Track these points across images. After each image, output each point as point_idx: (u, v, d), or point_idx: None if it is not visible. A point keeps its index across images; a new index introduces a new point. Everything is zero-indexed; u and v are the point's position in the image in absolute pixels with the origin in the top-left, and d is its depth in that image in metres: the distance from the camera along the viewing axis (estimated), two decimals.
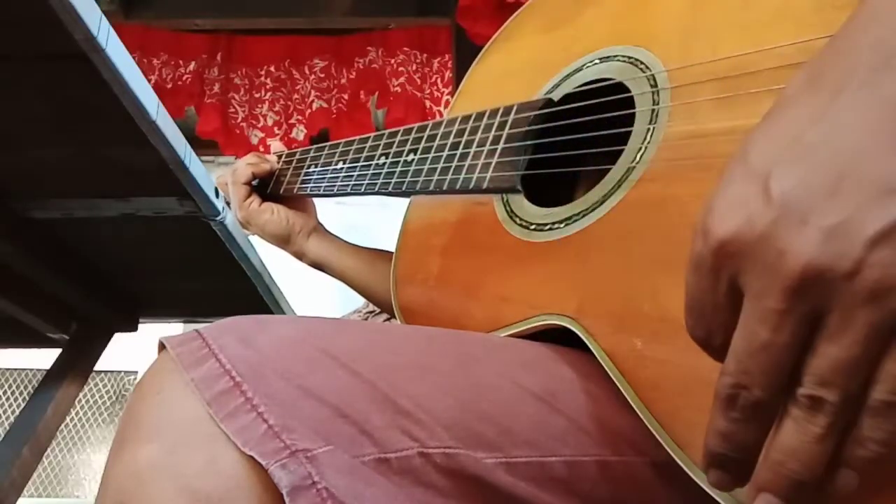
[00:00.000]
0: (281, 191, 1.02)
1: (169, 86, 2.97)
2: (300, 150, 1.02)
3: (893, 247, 0.31)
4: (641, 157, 0.58)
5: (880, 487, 0.35)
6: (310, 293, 1.86)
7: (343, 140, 0.94)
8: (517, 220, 0.67)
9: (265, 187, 1.04)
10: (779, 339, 0.33)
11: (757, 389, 0.34)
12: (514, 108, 0.71)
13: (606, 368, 0.53)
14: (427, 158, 0.78)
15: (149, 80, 1.07)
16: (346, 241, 1.04)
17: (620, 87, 0.63)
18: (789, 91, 0.36)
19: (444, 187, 0.74)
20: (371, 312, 1.53)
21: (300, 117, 3.04)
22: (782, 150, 0.34)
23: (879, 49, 0.33)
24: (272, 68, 3.05)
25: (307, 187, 0.97)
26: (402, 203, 0.85)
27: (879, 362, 0.32)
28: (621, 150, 0.61)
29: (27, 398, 1.15)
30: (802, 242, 0.32)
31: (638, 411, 0.50)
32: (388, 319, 1.38)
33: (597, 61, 0.67)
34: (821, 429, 0.33)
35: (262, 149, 2.96)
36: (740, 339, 0.34)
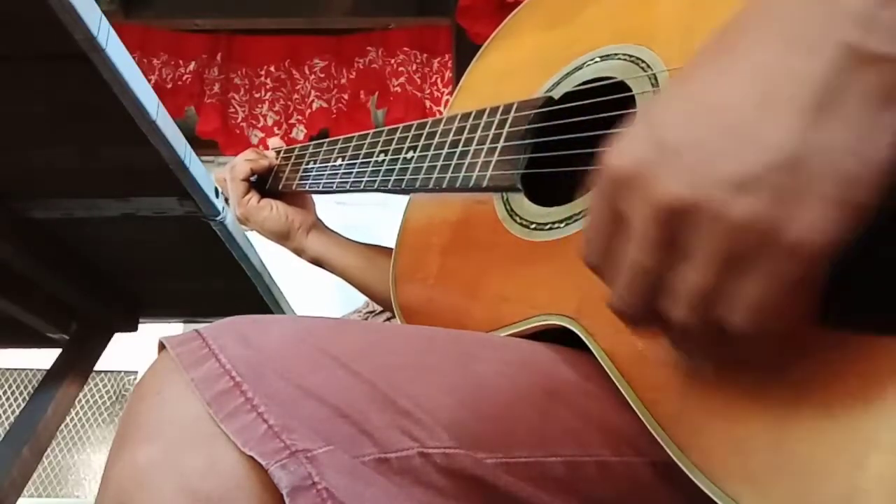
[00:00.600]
0: (280, 187, 1.02)
1: (169, 86, 2.97)
2: (299, 146, 1.01)
3: (748, 190, 0.36)
4: None
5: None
6: (310, 293, 1.86)
7: (342, 137, 0.93)
8: (517, 218, 0.67)
9: (264, 184, 1.04)
10: (647, 260, 0.39)
11: (632, 308, 0.41)
12: (514, 106, 0.71)
13: (606, 369, 0.53)
14: (427, 156, 0.78)
15: (149, 80, 1.07)
16: (345, 238, 1.04)
17: (621, 86, 0.63)
18: (700, 49, 0.41)
19: (444, 185, 0.74)
20: (371, 312, 1.53)
21: (300, 117, 3.04)
22: (674, 100, 0.40)
23: (768, 14, 0.38)
24: (272, 68, 3.05)
25: (306, 184, 0.97)
26: (401, 202, 0.85)
27: (732, 290, 0.37)
28: None
29: (27, 398, 1.15)
30: (674, 180, 0.37)
31: (638, 412, 0.50)
32: (388, 319, 1.38)
33: (597, 60, 0.67)
34: (679, 336, 0.41)
35: (261, 148, 2.96)
36: (620, 259, 0.41)
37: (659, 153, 0.38)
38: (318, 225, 1.04)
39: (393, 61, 3.01)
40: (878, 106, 0.35)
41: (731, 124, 0.37)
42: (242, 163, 1.02)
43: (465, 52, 2.79)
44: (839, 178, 0.35)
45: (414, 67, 3.00)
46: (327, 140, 0.96)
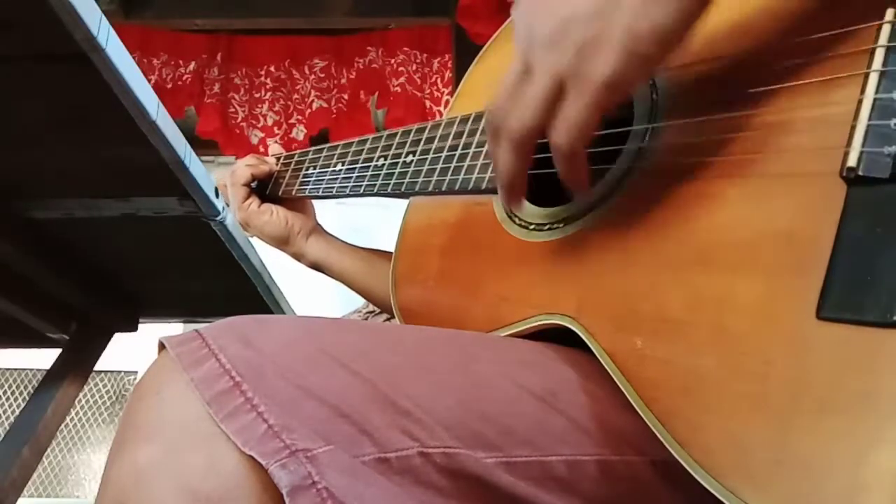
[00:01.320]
0: (280, 192, 1.02)
1: (169, 86, 2.97)
2: (299, 151, 1.02)
3: (567, 34, 0.50)
4: (641, 156, 0.58)
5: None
6: (310, 293, 1.86)
7: (342, 142, 0.94)
8: (516, 220, 0.67)
9: (264, 189, 1.04)
10: (510, 80, 0.54)
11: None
12: None
13: (606, 368, 0.53)
14: (426, 159, 0.78)
15: (149, 80, 1.07)
16: (345, 242, 1.04)
17: None
18: None
19: (444, 188, 0.74)
20: (371, 312, 1.53)
21: (300, 117, 3.04)
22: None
23: None
24: (272, 68, 3.05)
25: (306, 189, 0.97)
26: (401, 204, 0.85)
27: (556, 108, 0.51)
28: (620, 150, 0.61)
29: (27, 398, 1.15)
30: (538, 37, 0.52)
31: (638, 410, 0.50)
32: (388, 319, 1.38)
33: None
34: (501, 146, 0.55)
35: (261, 149, 2.96)
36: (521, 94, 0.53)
37: (527, 30, 0.53)
38: (317, 230, 1.04)
39: (393, 61, 3.01)
40: None
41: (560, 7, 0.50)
42: (243, 168, 1.03)
43: (465, 52, 2.80)
44: (628, 32, 0.48)
45: (414, 67, 3.00)
46: (327, 145, 0.96)
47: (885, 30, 0.47)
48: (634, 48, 0.48)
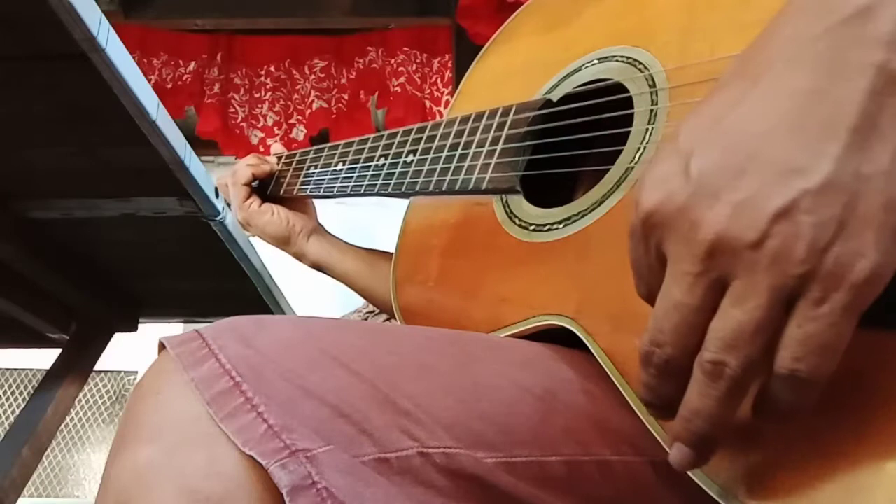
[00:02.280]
0: (281, 192, 1.02)
1: (169, 86, 2.97)
2: (300, 151, 1.02)
3: (792, 220, 0.34)
4: (640, 157, 0.58)
5: (791, 445, 0.40)
6: (310, 293, 1.86)
7: (343, 141, 0.94)
8: (516, 220, 0.67)
9: (265, 188, 1.04)
10: (690, 300, 0.36)
11: (669, 348, 0.37)
12: (513, 108, 0.71)
13: (606, 368, 0.53)
14: (426, 159, 0.78)
15: (149, 80, 1.07)
16: (346, 242, 1.04)
17: (619, 88, 0.63)
18: (723, 77, 0.39)
19: (444, 188, 0.74)
20: (371, 312, 1.53)
21: (300, 117, 3.04)
22: (705, 131, 0.38)
23: (796, 41, 0.37)
24: (272, 68, 3.05)
25: (307, 188, 0.97)
26: (401, 203, 0.85)
27: (782, 329, 0.35)
28: (620, 151, 0.61)
29: (27, 398, 1.15)
30: (713, 215, 0.35)
31: (637, 410, 0.50)
32: (388, 319, 1.38)
33: (595, 61, 0.67)
34: (721, 392, 0.36)
35: (262, 149, 2.96)
36: (659, 299, 0.38)
37: (693, 187, 0.36)
38: (318, 230, 1.04)
39: (393, 61, 3.01)
40: None
41: (768, 152, 0.35)
42: (244, 168, 1.03)
43: (465, 52, 2.80)
44: (884, 203, 0.34)
45: (414, 67, 3.00)
46: (327, 145, 0.97)
47: None
48: None
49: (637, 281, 0.41)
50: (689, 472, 0.45)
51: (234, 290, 1.05)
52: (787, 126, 0.35)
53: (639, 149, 0.59)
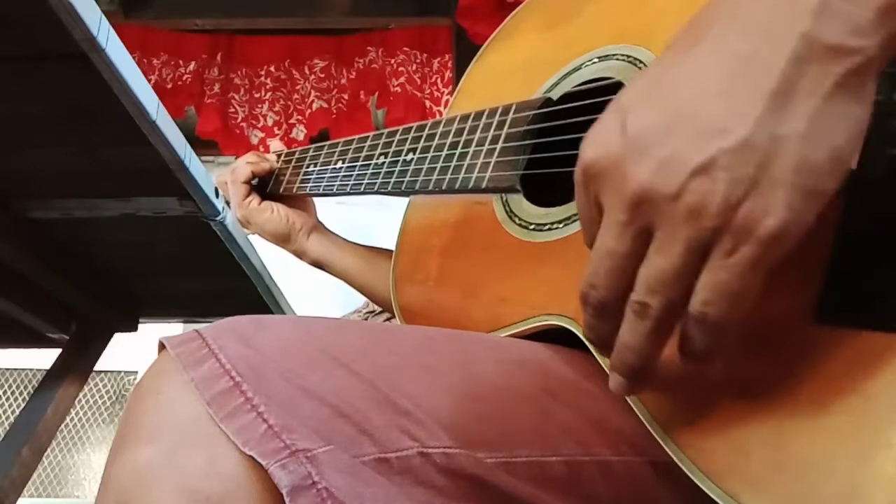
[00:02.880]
0: (280, 190, 1.02)
1: (169, 86, 2.97)
2: (300, 149, 1.02)
3: (709, 177, 0.37)
4: None
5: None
6: (310, 293, 1.86)
7: (342, 139, 0.94)
8: (516, 219, 0.67)
9: (265, 186, 1.04)
10: (619, 247, 0.40)
11: (602, 290, 0.42)
12: (513, 107, 0.71)
13: (605, 368, 0.53)
14: (426, 158, 0.78)
15: (149, 80, 1.07)
16: (346, 240, 1.04)
17: (619, 87, 0.63)
18: (669, 42, 0.42)
19: (444, 187, 0.74)
20: (371, 312, 1.53)
21: (300, 117, 3.04)
22: (643, 91, 0.41)
23: (736, 7, 0.39)
24: (272, 68, 3.05)
25: (307, 186, 0.97)
26: (401, 202, 0.85)
27: (697, 275, 0.38)
28: None
29: (27, 398, 1.15)
30: (640, 169, 0.38)
31: (637, 411, 0.50)
32: (388, 319, 1.38)
33: (595, 60, 0.67)
34: (646, 329, 0.40)
35: (261, 148, 2.96)
36: (595, 246, 0.42)
37: (626, 143, 0.39)
38: (318, 227, 1.04)
39: (393, 61, 3.01)
40: (833, 95, 0.37)
41: (694, 112, 0.38)
42: (243, 166, 1.03)
43: (465, 52, 2.79)
44: (796, 164, 0.36)
45: (414, 67, 3.00)
46: (327, 143, 0.96)
47: None
48: (813, 184, 0.37)
49: (583, 231, 0.44)
50: (690, 473, 0.45)
51: (234, 290, 1.05)
52: (716, 88, 0.38)
53: None
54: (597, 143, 0.41)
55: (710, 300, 0.38)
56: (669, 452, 0.46)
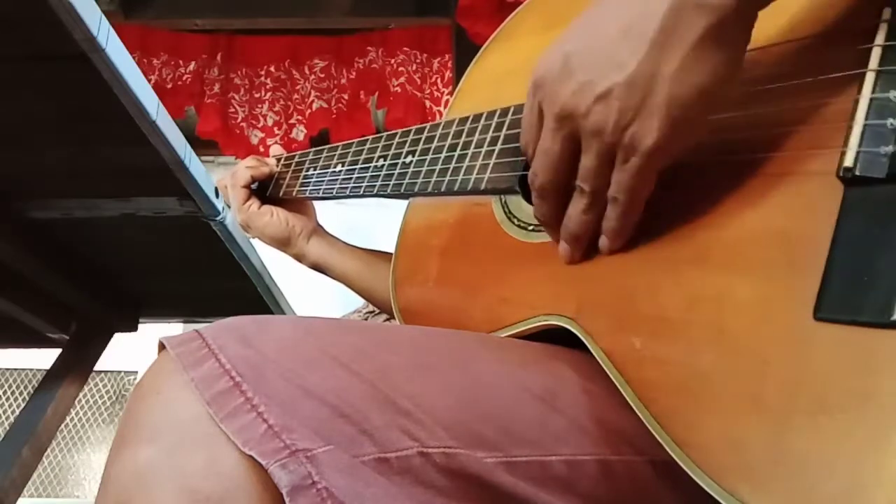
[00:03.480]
0: (280, 194, 1.02)
1: (169, 86, 2.97)
2: (299, 153, 1.02)
3: (607, 103, 0.49)
4: None
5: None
6: (310, 293, 1.86)
7: (342, 143, 0.94)
8: (515, 220, 0.67)
9: (264, 190, 1.04)
10: (552, 147, 0.53)
11: (541, 177, 0.55)
12: (512, 109, 0.71)
13: (605, 368, 0.53)
14: (425, 160, 0.78)
15: (149, 80, 1.07)
16: (345, 243, 1.04)
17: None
18: None
19: (443, 189, 0.74)
20: (371, 312, 1.53)
21: (300, 117, 3.04)
22: (578, 27, 0.53)
23: None
24: (272, 68, 3.05)
25: (306, 190, 0.97)
26: (401, 204, 0.85)
27: (612, 170, 0.52)
28: None
29: (27, 398, 1.15)
30: (565, 89, 0.51)
31: (637, 410, 0.50)
32: (387, 319, 1.38)
33: None
34: (583, 205, 0.54)
35: (262, 148, 2.96)
36: (539, 144, 0.55)
37: (561, 67, 0.52)
38: (318, 231, 1.04)
39: (393, 61, 3.01)
40: (701, 44, 0.47)
41: (605, 48, 0.50)
42: (243, 170, 1.03)
43: (465, 52, 2.79)
44: (667, 98, 0.47)
45: (414, 67, 3.00)
46: (327, 147, 0.97)
47: (882, 29, 0.47)
48: (681, 114, 0.48)
49: (522, 135, 0.57)
50: (690, 471, 0.45)
51: (234, 290, 1.05)
52: (621, 30, 0.49)
53: None
54: (544, 63, 0.53)
55: (616, 192, 0.52)
56: (669, 451, 0.47)
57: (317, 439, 0.43)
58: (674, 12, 0.47)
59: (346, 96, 3.03)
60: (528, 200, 0.68)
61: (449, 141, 0.76)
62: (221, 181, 1.05)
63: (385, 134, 0.86)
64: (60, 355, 1.10)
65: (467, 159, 0.73)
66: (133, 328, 1.15)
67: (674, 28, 0.47)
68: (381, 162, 0.85)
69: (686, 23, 0.46)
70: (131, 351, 1.70)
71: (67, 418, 2.33)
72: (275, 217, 1.02)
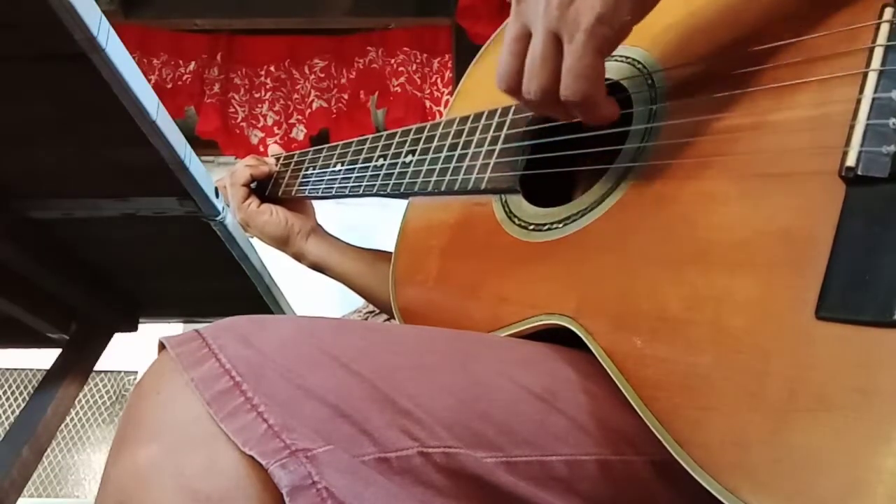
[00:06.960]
0: (279, 193, 1.02)
1: (169, 86, 2.97)
2: (298, 152, 1.02)
3: (557, 7, 0.52)
4: (639, 156, 0.58)
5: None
6: (310, 293, 1.86)
7: (341, 142, 0.94)
8: (516, 220, 0.67)
9: (264, 189, 1.04)
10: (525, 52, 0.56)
11: (532, 84, 0.56)
12: (512, 108, 0.71)
13: (605, 367, 0.53)
14: (426, 159, 0.78)
15: (149, 80, 1.07)
16: (345, 242, 1.04)
17: (618, 87, 0.63)
18: None
19: (443, 188, 0.74)
20: (371, 312, 1.53)
21: (300, 117, 3.04)
22: None
23: None
24: (272, 68, 3.05)
25: (306, 189, 0.97)
26: (401, 204, 0.85)
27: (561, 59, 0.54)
28: (619, 150, 0.61)
29: (27, 398, 1.15)
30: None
31: (637, 410, 0.50)
32: (387, 319, 1.38)
33: None
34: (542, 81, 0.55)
35: (262, 148, 2.96)
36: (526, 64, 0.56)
37: None
38: (317, 230, 1.04)
39: (393, 61, 3.01)
40: None
41: None
42: (242, 168, 1.03)
43: (465, 52, 2.79)
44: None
45: (414, 67, 3.00)
46: (326, 146, 0.97)
47: (884, 29, 0.47)
48: (607, 10, 0.51)
49: (504, 49, 0.58)
50: (691, 470, 0.45)
51: (234, 290, 1.05)
52: None
53: (637, 148, 0.59)
54: None
55: (567, 81, 0.53)
56: (670, 449, 0.47)
57: (317, 439, 0.43)
58: None
59: (346, 96, 3.02)
60: (529, 200, 0.68)
61: (449, 140, 0.76)
62: (221, 181, 1.05)
63: (385, 133, 0.86)
64: (60, 355, 1.10)
65: (467, 159, 0.73)
66: (133, 328, 1.15)
67: None
68: (380, 161, 0.85)
69: None
70: (131, 351, 1.69)
71: (67, 418, 2.33)
72: (274, 216, 1.02)
